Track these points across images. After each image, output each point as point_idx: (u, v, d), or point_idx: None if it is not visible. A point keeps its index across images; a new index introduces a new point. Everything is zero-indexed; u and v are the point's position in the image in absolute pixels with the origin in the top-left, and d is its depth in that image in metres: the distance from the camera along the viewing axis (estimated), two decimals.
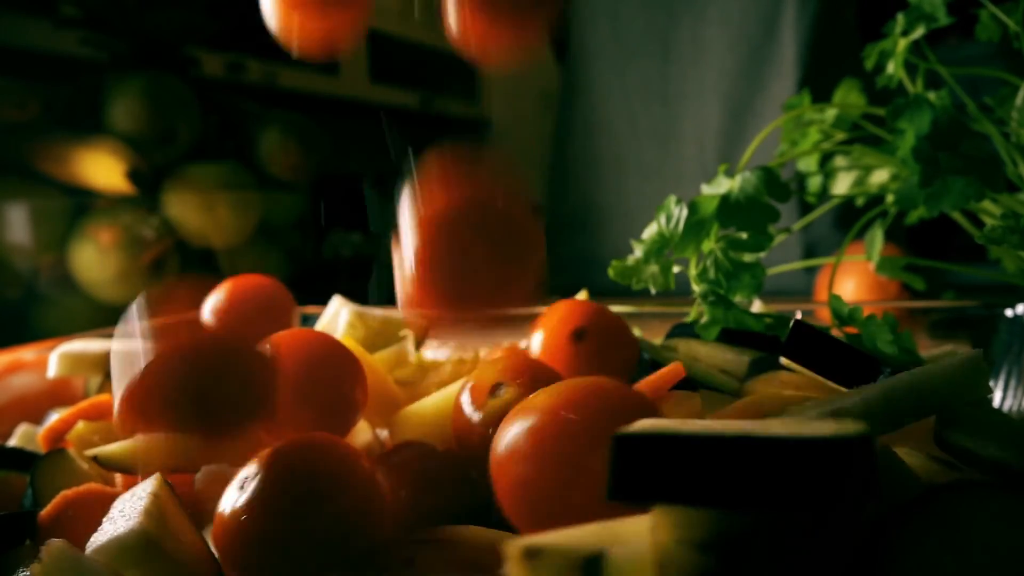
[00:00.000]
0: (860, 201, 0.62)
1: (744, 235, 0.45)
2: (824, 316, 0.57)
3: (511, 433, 0.26)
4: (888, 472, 0.28)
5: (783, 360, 0.38)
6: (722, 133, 1.23)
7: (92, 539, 0.28)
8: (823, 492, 0.19)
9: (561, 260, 1.42)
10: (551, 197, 1.47)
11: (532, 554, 0.21)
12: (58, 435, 0.41)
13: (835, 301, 0.46)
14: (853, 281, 0.82)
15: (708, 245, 0.47)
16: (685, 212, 0.47)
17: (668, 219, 0.48)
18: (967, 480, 0.24)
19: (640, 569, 0.20)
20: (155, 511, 0.28)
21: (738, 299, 0.47)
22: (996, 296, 0.55)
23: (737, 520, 0.21)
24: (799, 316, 0.44)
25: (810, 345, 0.37)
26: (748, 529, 0.21)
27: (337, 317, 0.53)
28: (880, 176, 0.60)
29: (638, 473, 0.20)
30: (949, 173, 0.44)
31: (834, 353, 0.36)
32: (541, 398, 0.27)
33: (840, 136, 0.62)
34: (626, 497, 0.20)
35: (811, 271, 1.01)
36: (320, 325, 0.54)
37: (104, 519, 0.29)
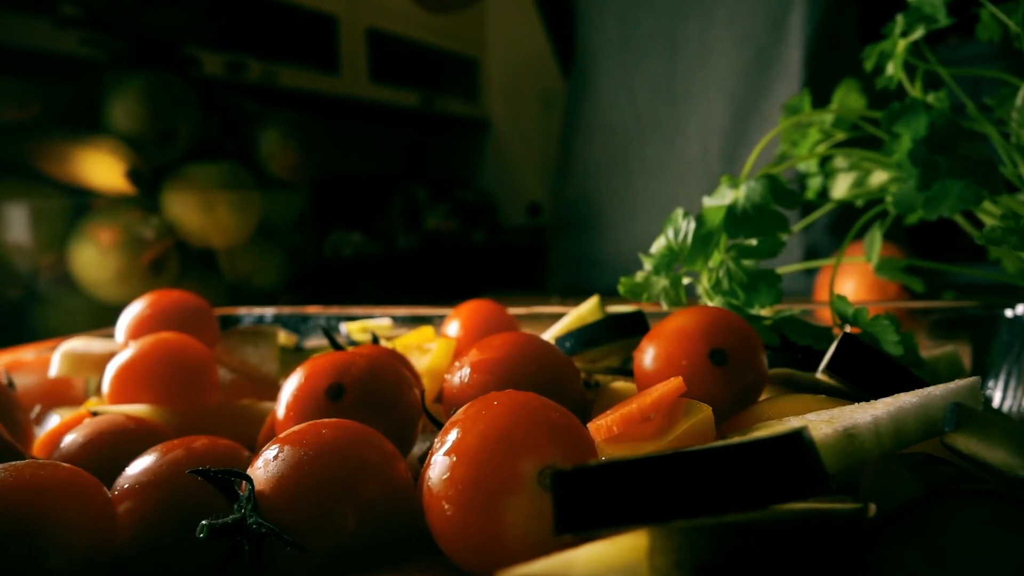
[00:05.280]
0: (860, 202, 0.62)
1: (754, 241, 0.44)
2: (825, 316, 0.57)
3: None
4: (885, 476, 0.28)
5: (821, 374, 0.36)
6: (726, 133, 1.23)
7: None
8: (758, 490, 0.21)
9: (563, 260, 1.41)
10: (554, 196, 1.46)
11: None
12: (53, 445, 0.40)
13: (840, 302, 0.45)
14: (853, 282, 0.82)
15: (718, 257, 0.46)
16: (693, 225, 0.46)
17: (676, 232, 0.47)
18: (949, 489, 0.23)
19: None
20: None
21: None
22: (996, 296, 0.55)
23: (734, 541, 0.21)
24: (848, 330, 0.42)
25: (856, 360, 0.35)
26: (745, 550, 0.21)
27: None
28: (880, 177, 0.60)
29: (579, 505, 0.21)
30: (947, 176, 0.44)
31: (880, 370, 0.35)
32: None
33: (840, 136, 0.62)
34: (572, 529, 0.21)
35: (811, 272, 1.01)
36: None
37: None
